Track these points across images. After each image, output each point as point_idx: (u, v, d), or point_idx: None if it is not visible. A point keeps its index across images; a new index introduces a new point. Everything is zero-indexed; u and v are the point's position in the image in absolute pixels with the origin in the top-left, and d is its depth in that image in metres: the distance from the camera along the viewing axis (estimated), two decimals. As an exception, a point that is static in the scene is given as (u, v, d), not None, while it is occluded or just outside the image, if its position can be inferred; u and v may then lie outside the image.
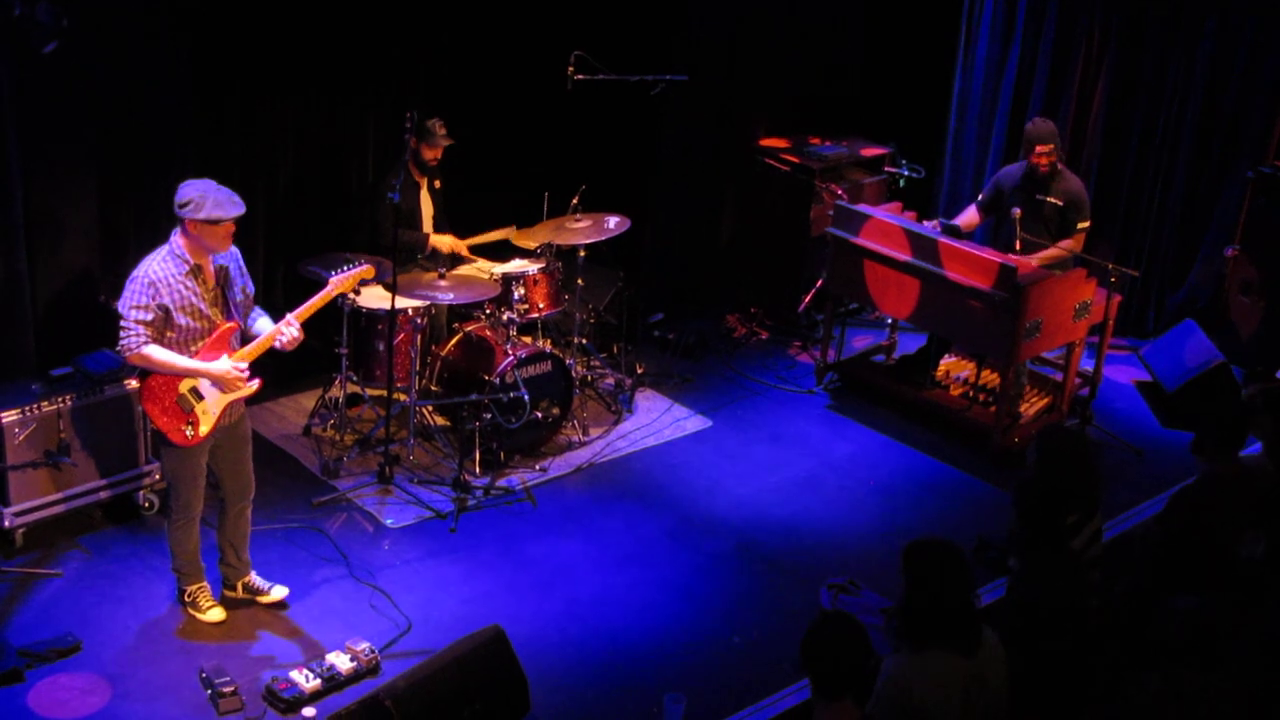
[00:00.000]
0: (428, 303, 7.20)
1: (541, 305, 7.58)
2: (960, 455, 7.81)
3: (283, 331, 5.74)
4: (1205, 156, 9.11)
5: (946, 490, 7.52)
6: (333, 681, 5.61)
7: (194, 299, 5.59)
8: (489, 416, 7.18)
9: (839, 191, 8.75)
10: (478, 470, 7.29)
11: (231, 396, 5.76)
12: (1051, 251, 7.75)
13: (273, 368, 7.98)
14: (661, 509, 7.16)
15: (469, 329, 7.50)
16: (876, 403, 8.33)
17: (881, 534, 7.06)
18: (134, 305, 5.51)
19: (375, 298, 7.30)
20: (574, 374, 7.66)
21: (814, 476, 7.58)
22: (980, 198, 8.24)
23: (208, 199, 5.49)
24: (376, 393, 7.50)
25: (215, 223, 5.51)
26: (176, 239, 5.58)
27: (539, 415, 7.41)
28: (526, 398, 7.22)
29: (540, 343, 7.65)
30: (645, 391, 8.34)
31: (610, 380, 8.34)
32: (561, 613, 6.29)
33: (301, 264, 7.29)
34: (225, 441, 5.88)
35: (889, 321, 8.88)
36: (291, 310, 5.84)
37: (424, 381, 7.48)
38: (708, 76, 8.94)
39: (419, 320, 7.24)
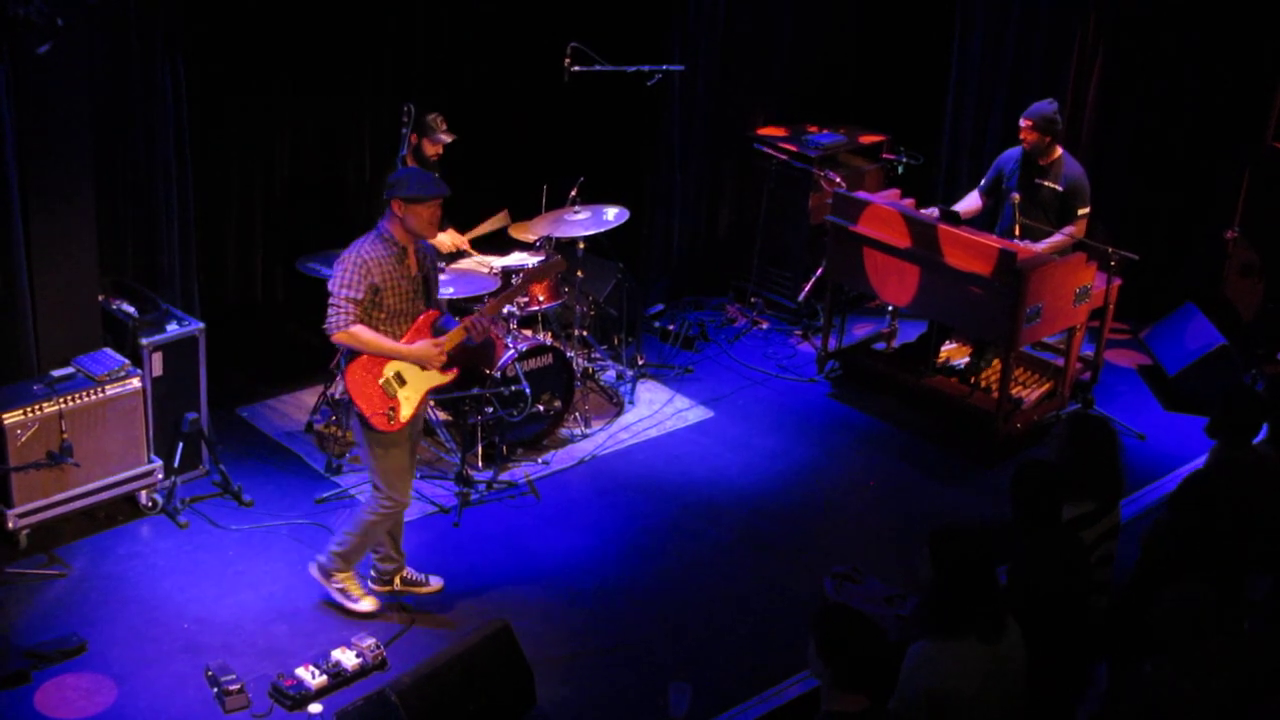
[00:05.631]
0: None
1: (541, 298, 7.57)
2: (962, 442, 7.81)
3: (474, 325, 5.82)
4: (1203, 139, 9.09)
5: (949, 477, 7.52)
6: (339, 677, 5.61)
7: (403, 281, 5.69)
8: (491, 410, 7.18)
9: (837, 179, 8.73)
10: (480, 464, 7.30)
11: (431, 383, 5.82)
12: (1057, 239, 7.72)
13: (273, 365, 8.03)
14: (664, 500, 7.16)
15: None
16: (878, 390, 8.32)
17: (885, 522, 7.07)
18: (344, 284, 5.60)
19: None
20: (575, 366, 7.66)
21: (816, 465, 7.58)
22: (982, 183, 8.22)
23: (412, 179, 5.65)
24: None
25: (417, 200, 5.58)
26: (384, 224, 5.68)
27: (541, 408, 7.41)
28: (528, 391, 7.22)
29: (541, 335, 7.64)
30: (646, 383, 8.33)
31: (611, 372, 8.33)
32: (566, 605, 6.29)
33: (299, 261, 7.28)
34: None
35: (889, 309, 8.86)
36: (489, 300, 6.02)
37: (425, 376, 7.46)
38: (704, 66, 8.93)
39: (419, 315, 7.22)
